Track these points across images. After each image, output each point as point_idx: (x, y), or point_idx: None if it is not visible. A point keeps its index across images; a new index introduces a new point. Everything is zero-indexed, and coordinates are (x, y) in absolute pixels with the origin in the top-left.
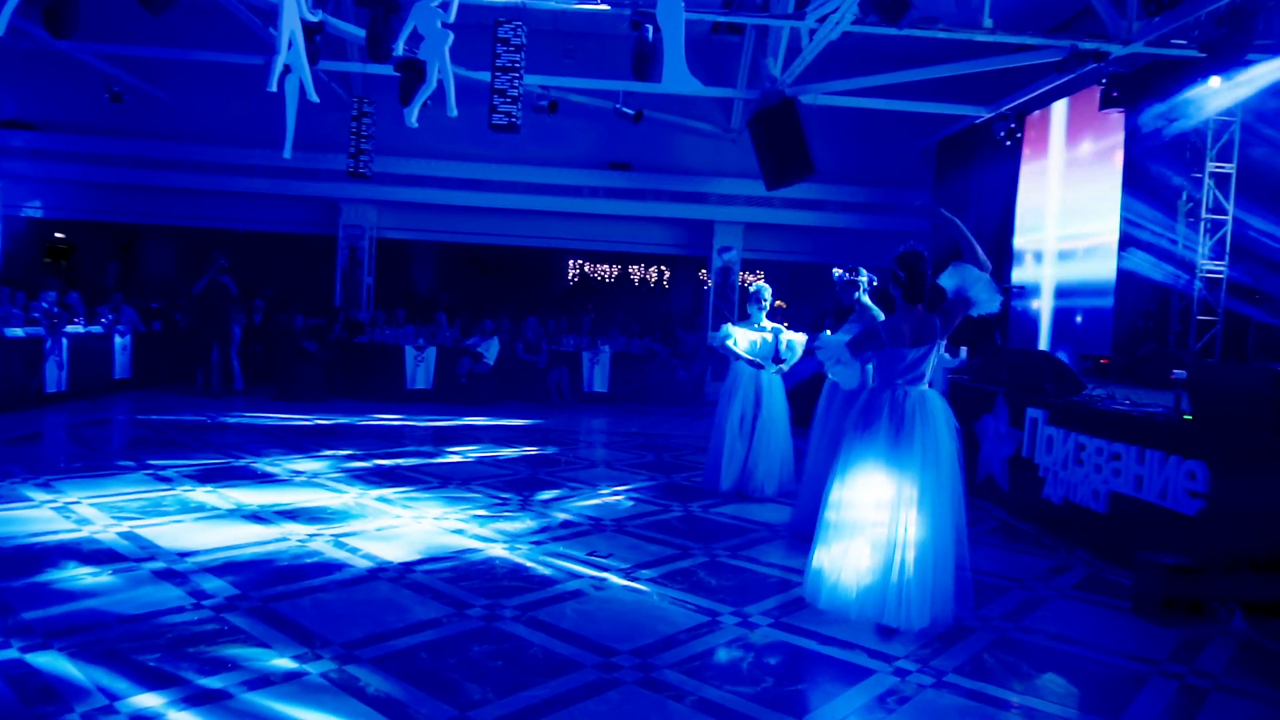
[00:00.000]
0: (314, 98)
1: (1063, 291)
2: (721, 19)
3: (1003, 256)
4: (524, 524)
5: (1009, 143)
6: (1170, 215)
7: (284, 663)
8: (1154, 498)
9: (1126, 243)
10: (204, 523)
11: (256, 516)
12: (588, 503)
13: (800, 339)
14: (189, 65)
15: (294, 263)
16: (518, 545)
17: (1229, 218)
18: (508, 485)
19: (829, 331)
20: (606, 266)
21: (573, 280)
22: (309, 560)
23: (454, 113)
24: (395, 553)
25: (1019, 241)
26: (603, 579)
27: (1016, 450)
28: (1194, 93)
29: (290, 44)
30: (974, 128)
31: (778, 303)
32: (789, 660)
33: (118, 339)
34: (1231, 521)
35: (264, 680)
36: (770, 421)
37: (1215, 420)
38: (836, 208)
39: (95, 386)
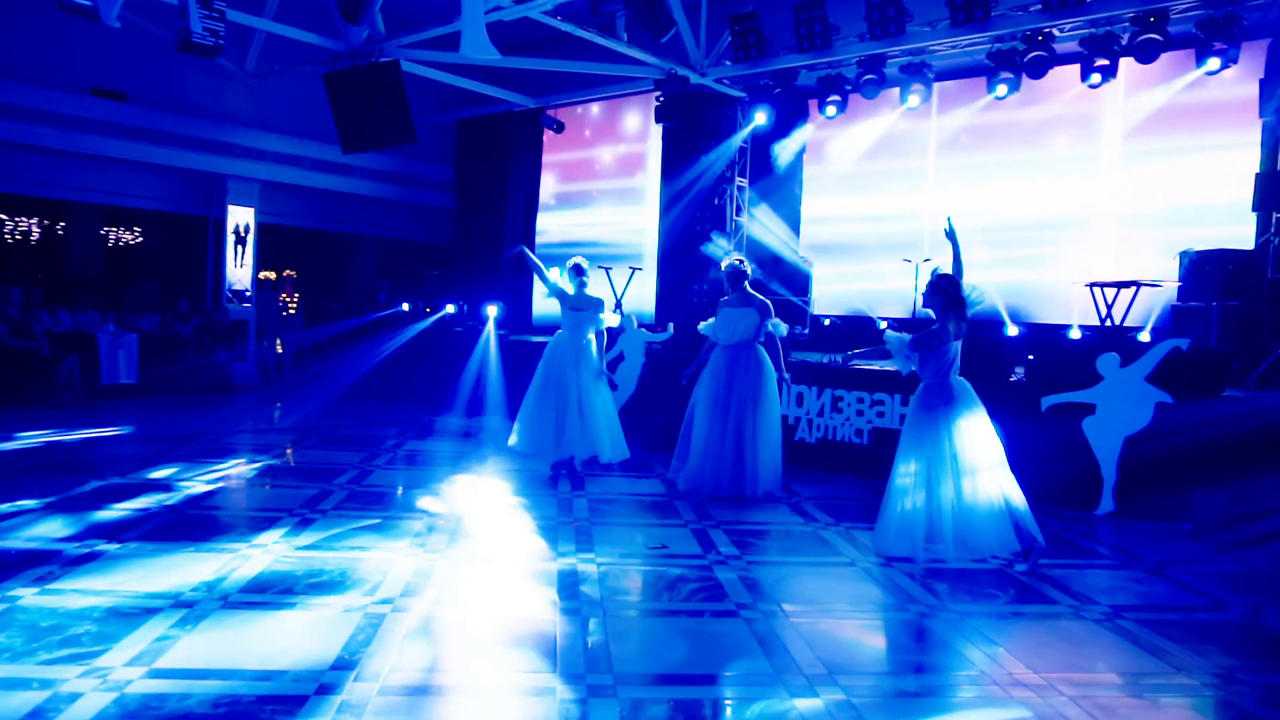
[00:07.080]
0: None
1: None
2: None
3: (530, 235)
4: (540, 543)
5: (559, 134)
6: (713, 213)
7: (807, 703)
8: None
9: (672, 230)
10: (199, 634)
11: (235, 604)
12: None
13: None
14: None
15: None
16: (597, 560)
17: (744, 219)
18: (369, 505)
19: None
20: (88, 222)
21: (36, 238)
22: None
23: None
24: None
25: (542, 222)
26: (752, 562)
27: None
28: (741, 131)
29: None
30: (508, 114)
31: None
32: (976, 578)
33: None
34: None
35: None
36: (595, 388)
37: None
38: (363, 174)
39: None
